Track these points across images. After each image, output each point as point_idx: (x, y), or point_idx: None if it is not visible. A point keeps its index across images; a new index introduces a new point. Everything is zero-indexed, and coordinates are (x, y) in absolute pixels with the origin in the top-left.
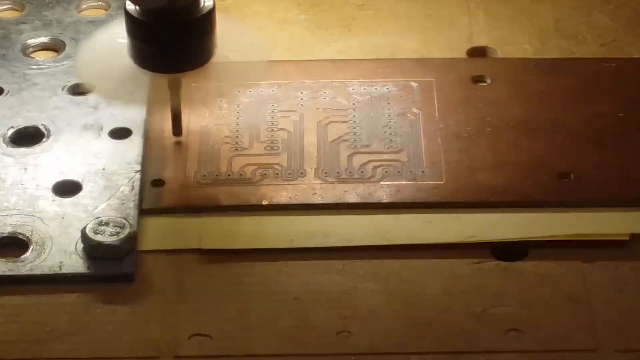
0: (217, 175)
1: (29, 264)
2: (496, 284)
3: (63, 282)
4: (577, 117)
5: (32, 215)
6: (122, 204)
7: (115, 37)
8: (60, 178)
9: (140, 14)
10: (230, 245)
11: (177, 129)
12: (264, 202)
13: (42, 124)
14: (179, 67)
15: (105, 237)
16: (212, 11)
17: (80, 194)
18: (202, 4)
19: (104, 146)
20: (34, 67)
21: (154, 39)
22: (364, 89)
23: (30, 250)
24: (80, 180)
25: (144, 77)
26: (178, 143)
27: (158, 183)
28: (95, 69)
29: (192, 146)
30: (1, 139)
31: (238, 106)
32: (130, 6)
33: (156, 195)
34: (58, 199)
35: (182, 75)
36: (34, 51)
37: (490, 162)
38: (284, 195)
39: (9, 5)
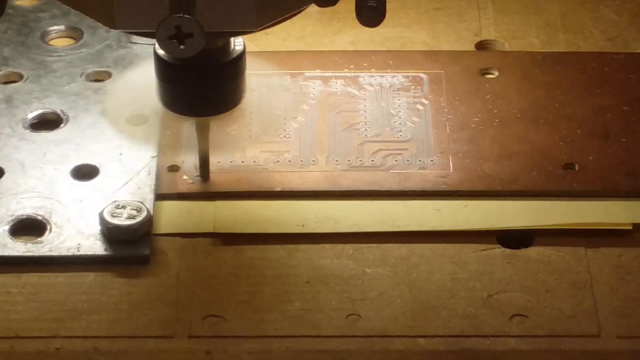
0: (231, 162)
1: (48, 245)
2: (502, 270)
3: (81, 263)
4: (582, 109)
5: (51, 198)
6: (138, 188)
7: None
8: (78, 162)
9: (170, 57)
10: (243, 230)
11: (204, 173)
12: (277, 189)
13: (60, 110)
14: (208, 111)
15: (123, 220)
16: (242, 54)
17: (97, 178)
18: (232, 46)
19: (121, 132)
20: (53, 54)
21: (183, 83)
22: (375, 79)
23: (49, 232)
24: (97, 165)
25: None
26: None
27: (174, 168)
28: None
29: None
30: (21, 123)
31: (252, 94)
32: (160, 49)
33: (172, 181)
34: (76, 182)
35: (211, 118)
36: (53, 39)
37: (497, 152)
38: (295, 182)
39: None
